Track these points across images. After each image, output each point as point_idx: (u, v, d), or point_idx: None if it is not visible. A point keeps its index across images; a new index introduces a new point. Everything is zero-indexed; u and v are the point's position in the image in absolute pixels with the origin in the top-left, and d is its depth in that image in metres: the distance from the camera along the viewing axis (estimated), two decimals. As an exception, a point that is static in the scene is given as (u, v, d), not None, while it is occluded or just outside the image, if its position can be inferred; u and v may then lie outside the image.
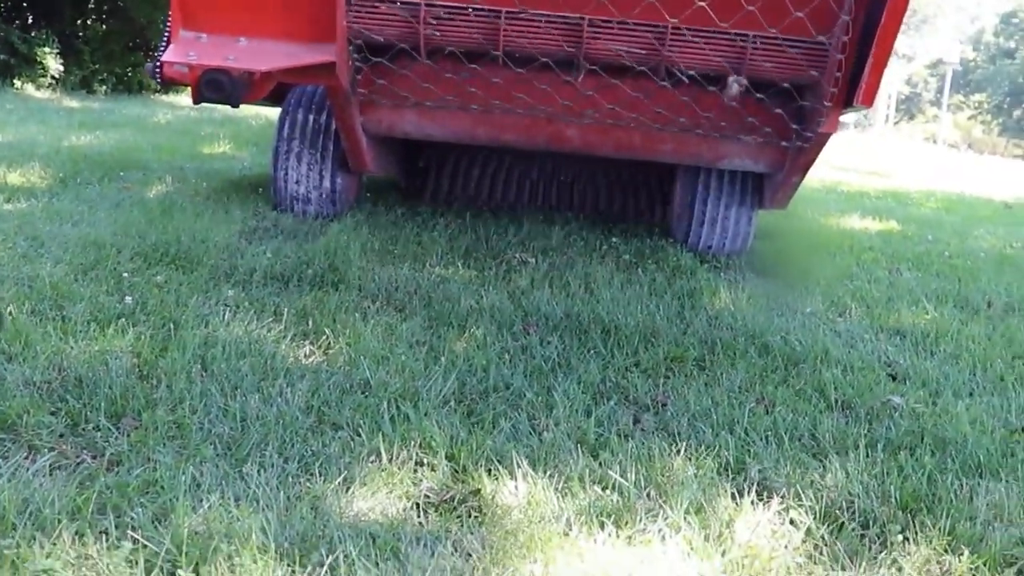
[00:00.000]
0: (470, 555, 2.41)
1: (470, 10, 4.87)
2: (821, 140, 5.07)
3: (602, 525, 2.61)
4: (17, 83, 17.16)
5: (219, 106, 14.97)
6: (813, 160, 5.35)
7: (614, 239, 6.28)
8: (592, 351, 4.09)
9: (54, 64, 17.92)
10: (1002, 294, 6.01)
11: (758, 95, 5.07)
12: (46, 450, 2.73)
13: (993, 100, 59.45)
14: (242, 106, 5.46)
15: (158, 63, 5.57)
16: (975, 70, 61.34)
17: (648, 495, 2.82)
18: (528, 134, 5.61)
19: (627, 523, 2.63)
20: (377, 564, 2.31)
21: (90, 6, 20.35)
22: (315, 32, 4.81)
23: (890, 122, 48.96)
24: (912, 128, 61.98)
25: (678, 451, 3.13)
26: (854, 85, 4.67)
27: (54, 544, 2.22)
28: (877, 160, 21.39)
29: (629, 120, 5.31)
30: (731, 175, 6.16)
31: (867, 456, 3.21)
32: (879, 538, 2.69)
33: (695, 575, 2.42)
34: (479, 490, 2.75)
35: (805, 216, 9.11)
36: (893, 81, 46.03)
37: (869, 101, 4.65)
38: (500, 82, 5.15)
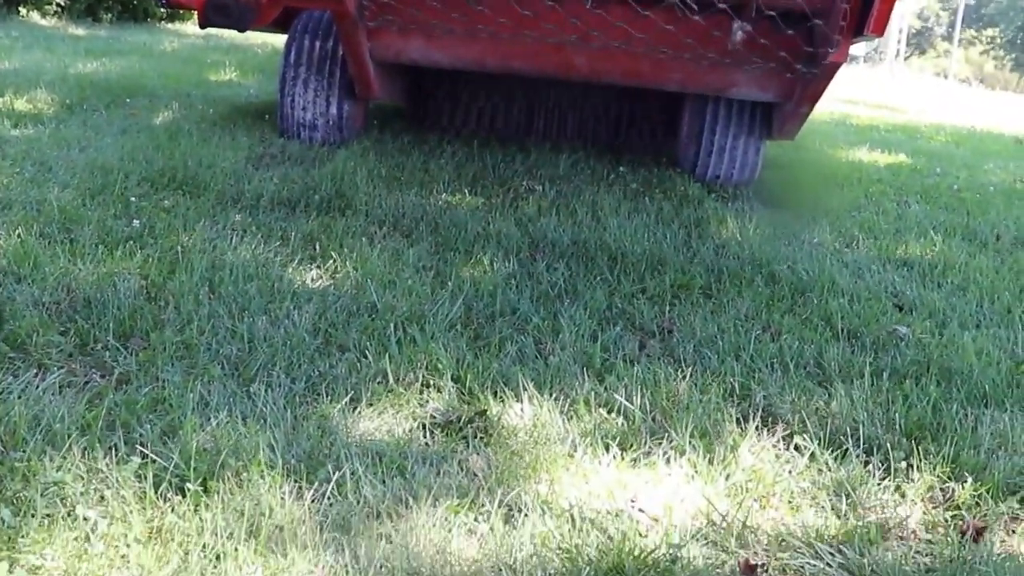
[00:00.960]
0: (476, 474, 2.44)
1: None
2: (831, 70, 5.01)
3: (607, 447, 2.63)
4: (22, 11, 16.94)
5: (225, 34, 14.96)
6: (823, 90, 5.29)
7: (621, 168, 6.25)
8: (598, 278, 4.09)
9: (60, -9, 17.71)
10: (1011, 227, 5.99)
11: (768, 24, 5.00)
12: (55, 368, 2.75)
13: (1006, 35, 58.67)
14: (248, 34, 5.40)
15: (165, -13, 5.52)
16: (988, 4, 60.45)
17: (653, 419, 2.84)
18: (536, 61, 5.56)
19: (632, 446, 2.65)
20: (384, 481, 2.34)
21: (97, -67, 20.08)
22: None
23: (900, 57, 48.40)
24: (923, 63, 61.21)
25: (683, 376, 3.14)
26: (864, 14, 4.61)
27: (64, 458, 2.24)
28: (887, 94, 21.20)
29: (638, 47, 5.25)
30: (740, 104, 6.09)
31: (872, 384, 3.22)
32: (883, 465, 2.70)
33: (699, 497, 2.44)
34: (485, 411, 2.77)
35: (813, 148, 9.04)
36: (904, 15, 45.39)
37: (880, 30, 4.58)
38: (507, 9, 5.09)
